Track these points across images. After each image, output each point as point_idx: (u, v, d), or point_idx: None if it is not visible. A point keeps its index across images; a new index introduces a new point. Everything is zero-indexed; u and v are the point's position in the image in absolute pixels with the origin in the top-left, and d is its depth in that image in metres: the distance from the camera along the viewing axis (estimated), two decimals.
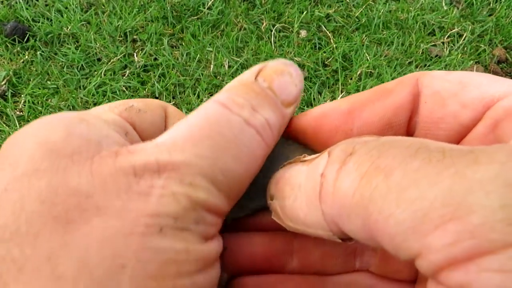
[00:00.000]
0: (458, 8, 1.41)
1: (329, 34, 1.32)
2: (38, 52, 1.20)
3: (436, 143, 0.16)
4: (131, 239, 0.16)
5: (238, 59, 1.24)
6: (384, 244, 0.16)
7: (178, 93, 1.18)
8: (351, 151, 0.17)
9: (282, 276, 0.23)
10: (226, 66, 1.23)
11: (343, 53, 1.28)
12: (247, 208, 0.23)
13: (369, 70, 1.25)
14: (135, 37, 1.27)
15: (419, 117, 0.22)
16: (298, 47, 1.29)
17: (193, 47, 1.25)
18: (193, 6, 1.31)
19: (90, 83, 1.17)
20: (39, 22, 1.26)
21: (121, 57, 1.22)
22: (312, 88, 1.22)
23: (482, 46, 1.33)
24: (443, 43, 1.35)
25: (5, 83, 1.14)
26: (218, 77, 1.21)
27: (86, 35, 1.24)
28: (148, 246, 0.16)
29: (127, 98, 1.24)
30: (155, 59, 1.24)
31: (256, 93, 0.21)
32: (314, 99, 1.19)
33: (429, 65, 1.29)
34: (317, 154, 0.20)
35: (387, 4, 1.40)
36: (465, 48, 1.33)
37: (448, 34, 1.36)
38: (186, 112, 1.14)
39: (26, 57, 1.20)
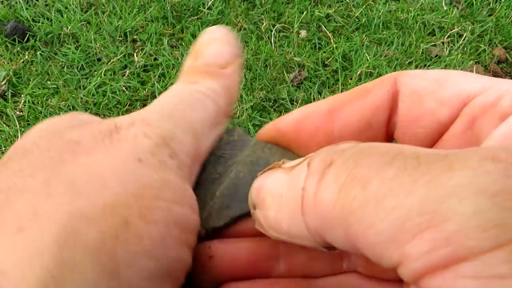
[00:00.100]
0: (458, 8, 1.41)
1: (329, 34, 1.32)
2: (38, 52, 1.20)
3: (411, 148, 0.16)
4: (113, 166, 0.19)
5: None
6: (367, 253, 0.16)
7: None
8: (330, 162, 0.17)
9: (269, 281, 0.23)
10: None
11: (343, 53, 1.28)
12: (226, 216, 0.23)
13: (369, 70, 1.25)
14: (135, 37, 1.27)
15: (398, 116, 0.22)
16: (298, 47, 1.29)
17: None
18: (193, 6, 1.32)
19: (90, 83, 1.17)
20: (39, 22, 1.26)
21: (121, 57, 1.22)
22: (312, 88, 1.22)
23: (482, 46, 1.33)
24: (443, 43, 1.35)
25: (5, 83, 1.15)
26: None
27: (86, 35, 1.24)
28: (128, 171, 0.19)
29: (127, 98, 1.24)
30: (155, 59, 1.24)
31: (195, 73, 0.24)
32: (314, 99, 1.19)
33: (429, 65, 1.29)
34: (296, 161, 0.20)
35: (387, 4, 1.40)
36: (465, 48, 1.33)
37: (448, 34, 1.36)
38: None
39: (26, 57, 1.20)
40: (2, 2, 1.28)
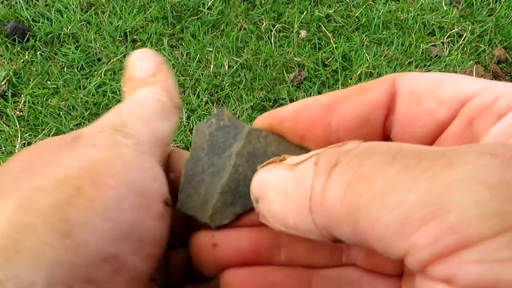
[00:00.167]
0: (458, 8, 1.41)
1: (329, 34, 1.32)
2: (38, 52, 1.20)
3: (412, 146, 0.17)
4: (71, 156, 0.21)
5: (238, 59, 1.24)
6: (374, 246, 0.17)
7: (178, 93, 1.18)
8: (335, 162, 0.18)
9: (271, 268, 0.24)
10: (226, 66, 1.23)
11: (343, 53, 1.28)
12: (231, 214, 0.24)
13: (369, 70, 1.25)
14: (135, 37, 1.27)
15: (396, 115, 0.23)
16: (298, 47, 1.29)
17: (193, 47, 1.25)
18: (193, 6, 1.32)
19: (90, 83, 1.17)
20: (39, 22, 1.26)
21: (121, 57, 1.22)
22: (312, 88, 1.22)
23: (482, 46, 1.33)
24: (443, 43, 1.35)
25: (5, 83, 1.15)
26: (218, 77, 1.21)
27: (86, 35, 1.24)
28: (82, 154, 0.21)
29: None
30: None
31: (135, 88, 0.27)
32: None
33: (428, 65, 1.29)
34: (298, 158, 0.20)
35: (387, 4, 1.40)
36: (465, 48, 1.33)
37: (448, 34, 1.36)
38: (186, 112, 1.14)
39: (26, 57, 1.20)
40: (2, 2, 1.28)
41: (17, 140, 1.07)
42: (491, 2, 1.43)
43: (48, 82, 1.17)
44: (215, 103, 1.17)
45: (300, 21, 1.33)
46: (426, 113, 0.22)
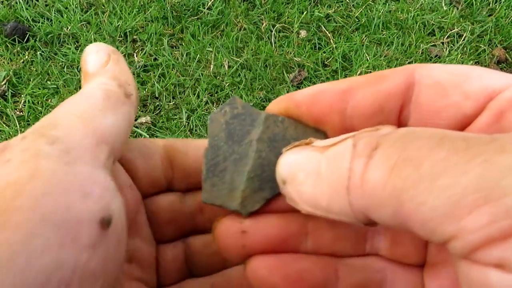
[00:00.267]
0: (457, 8, 1.41)
1: (329, 34, 1.32)
2: (38, 52, 1.20)
3: (454, 132, 0.17)
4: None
5: (238, 59, 1.24)
6: (416, 229, 0.17)
7: (178, 93, 1.18)
8: (376, 145, 0.18)
9: (298, 255, 0.24)
10: (226, 66, 1.23)
11: (343, 53, 1.28)
12: (261, 199, 0.24)
13: (369, 70, 1.25)
14: (135, 37, 1.27)
15: (418, 106, 0.23)
16: (298, 47, 1.29)
17: (193, 47, 1.25)
18: (193, 6, 1.32)
19: None
20: (39, 22, 1.26)
21: None
22: None
23: (482, 46, 1.34)
24: (442, 43, 1.35)
25: (5, 83, 1.15)
26: (218, 77, 1.21)
27: (86, 35, 1.24)
28: None
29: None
30: (155, 59, 1.24)
31: (86, 80, 0.25)
32: None
33: None
34: (329, 141, 0.21)
35: (387, 4, 1.40)
36: (465, 48, 1.33)
37: (448, 34, 1.36)
38: (186, 112, 1.14)
39: (26, 57, 1.20)
40: (2, 2, 1.28)
41: None
42: (491, 2, 1.43)
43: (48, 82, 1.17)
44: (215, 103, 1.17)
45: (300, 21, 1.33)
46: (452, 106, 0.22)
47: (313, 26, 1.33)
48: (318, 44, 1.31)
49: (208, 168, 0.25)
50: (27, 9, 1.27)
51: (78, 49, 1.22)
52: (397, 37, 1.32)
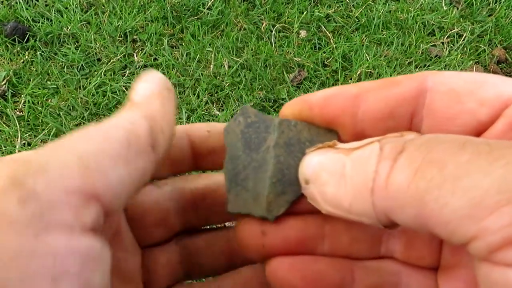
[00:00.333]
0: (457, 8, 1.41)
1: (329, 34, 1.32)
2: (38, 52, 1.20)
3: (476, 138, 0.18)
4: None
5: (238, 59, 1.24)
6: (437, 230, 0.17)
7: (178, 93, 1.18)
8: (401, 149, 0.19)
9: (316, 257, 0.24)
10: (226, 66, 1.23)
11: (343, 53, 1.28)
12: (285, 202, 0.25)
13: (369, 70, 1.25)
14: (135, 37, 1.27)
15: (431, 112, 0.23)
16: (298, 47, 1.29)
17: (193, 47, 1.25)
18: (193, 6, 1.32)
19: (90, 83, 1.17)
20: (39, 22, 1.26)
21: (121, 57, 1.22)
22: (312, 88, 1.22)
23: (482, 46, 1.34)
24: (442, 43, 1.35)
25: (5, 83, 1.15)
26: (218, 77, 1.21)
27: (86, 35, 1.24)
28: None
29: (127, 98, 1.23)
30: (155, 59, 1.24)
31: (126, 105, 0.22)
32: None
33: (428, 65, 1.29)
34: (354, 144, 0.21)
35: (387, 4, 1.40)
36: (465, 48, 1.33)
37: (448, 34, 1.36)
38: (186, 112, 1.14)
39: (26, 57, 1.20)
40: (2, 2, 1.28)
41: (17, 140, 1.07)
42: (491, 2, 1.43)
43: (48, 82, 1.17)
44: (215, 103, 1.18)
45: (300, 21, 1.33)
46: (467, 113, 0.22)
47: (313, 26, 1.33)
48: (318, 44, 1.31)
49: (230, 178, 0.25)
50: (27, 9, 1.27)
51: (78, 49, 1.22)
52: (397, 37, 1.32)
